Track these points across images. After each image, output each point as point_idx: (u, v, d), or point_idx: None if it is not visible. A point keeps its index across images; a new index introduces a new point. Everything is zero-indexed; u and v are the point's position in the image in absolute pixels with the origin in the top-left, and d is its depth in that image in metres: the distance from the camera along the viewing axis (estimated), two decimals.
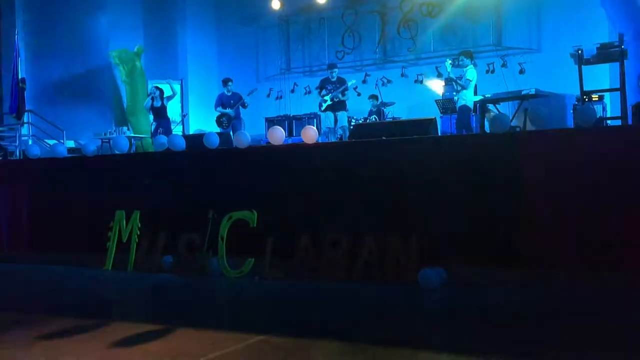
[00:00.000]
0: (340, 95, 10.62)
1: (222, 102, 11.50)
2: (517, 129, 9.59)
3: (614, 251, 4.69)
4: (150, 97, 11.36)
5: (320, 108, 10.92)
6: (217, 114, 11.52)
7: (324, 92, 10.78)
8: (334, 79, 10.77)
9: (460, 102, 9.63)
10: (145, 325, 4.03)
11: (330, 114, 10.76)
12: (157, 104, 11.26)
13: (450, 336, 3.65)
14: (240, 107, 11.45)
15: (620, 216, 4.71)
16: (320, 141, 7.14)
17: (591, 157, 4.83)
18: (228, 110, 11.38)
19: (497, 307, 4.33)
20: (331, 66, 11.03)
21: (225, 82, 11.66)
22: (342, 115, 10.74)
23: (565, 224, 4.85)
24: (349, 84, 10.87)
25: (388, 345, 3.48)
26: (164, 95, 11.37)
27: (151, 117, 11.72)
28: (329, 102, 10.64)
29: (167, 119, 11.48)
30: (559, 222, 4.87)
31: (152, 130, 11.57)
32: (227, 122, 11.39)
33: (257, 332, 3.75)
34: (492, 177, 5.13)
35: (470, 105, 9.68)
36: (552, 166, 4.93)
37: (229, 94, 11.56)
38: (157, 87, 11.50)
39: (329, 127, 10.79)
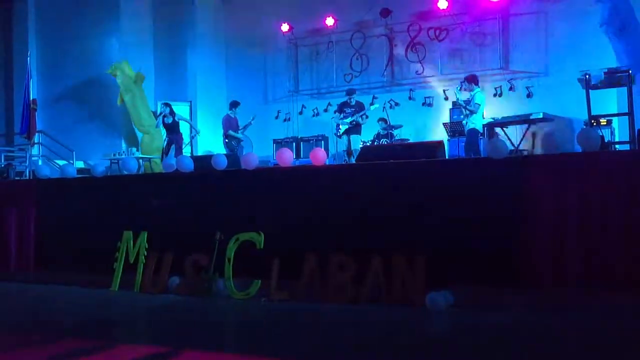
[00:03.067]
0: (360, 119, 10.75)
1: (230, 125, 11.62)
2: (525, 152, 9.61)
3: (619, 272, 4.67)
4: (161, 115, 11.47)
5: (337, 132, 11.01)
6: (224, 135, 11.68)
7: (342, 115, 10.88)
8: (353, 103, 10.89)
9: (470, 126, 9.67)
10: (152, 347, 4.02)
11: (345, 137, 10.89)
12: (169, 120, 11.38)
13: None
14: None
15: (625, 238, 4.69)
16: (328, 163, 7.16)
17: (596, 180, 4.83)
18: (238, 135, 11.53)
19: (503, 329, 4.29)
20: (350, 92, 11.19)
21: (234, 105, 11.83)
22: (356, 139, 10.82)
23: (571, 246, 4.84)
24: (372, 108, 11.03)
25: None
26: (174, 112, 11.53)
27: (164, 133, 11.81)
28: (347, 126, 10.72)
29: (180, 134, 11.58)
30: (565, 244, 4.86)
31: (164, 146, 11.61)
32: (237, 144, 11.53)
33: (263, 355, 3.73)
34: (499, 200, 5.13)
35: (479, 128, 9.72)
36: (558, 189, 4.93)
37: (234, 117, 11.71)
38: (166, 104, 11.60)
39: (344, 150, 10.89)
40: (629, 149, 7.73)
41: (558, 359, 3.57)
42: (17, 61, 13.98)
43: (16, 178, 11.07)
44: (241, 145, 11.70)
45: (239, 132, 11.66)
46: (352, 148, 10.68)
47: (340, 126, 10.90)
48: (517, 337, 4.12)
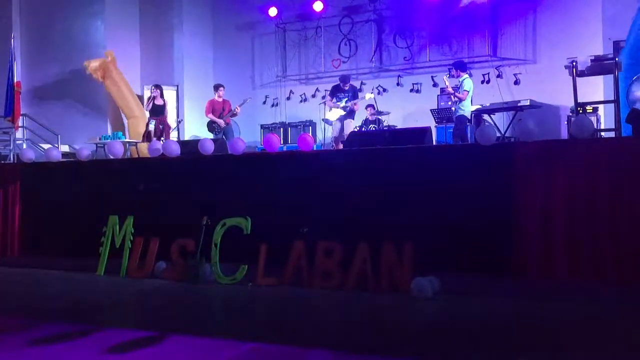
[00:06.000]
0: (354, 107, 10.62)
1: (213, 108, 11.45)
2: (512, 140, 9.65)
3: (605, 262, 4.72)
4: (151, 97, 11.29)
5: (331, 116, 10.82)
6: (209, 119, 11.52)
7: (335, 100, 10.70)
8: (347, 89, 10.72)
9: (459, 112, 9.68)
10: (138, 332, 4.01)
11: (337, 123, 10.72)
12: (159, 102, 11.23)
13: (441, 346, 3.65)
14: (231, 116, 11.45)
15: (612, 228, 4.73)
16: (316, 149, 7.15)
17: (584, 168, 4.86)
18: (218, 120, 11.33)
19: (488, 316, 4.33)
20: (344, 79, 10.88)
21: (216, 87, 11.62)
22: (349, 124, 10.70)
23: (557, 234, 4.88)
24: (367, 97, 10.97)
25: (381, 354, 3.47)
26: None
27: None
28: (342, 113, 10.60)
29: (165, 116, 11.40)
30: (552, 232, 4.89)
31: (153, 128, 11.34)
32: (219, 128, 11.37)
33: (250, 340, 3.74)
34: (487, 187, 5.16)
35: (468, 115, 9.74)
36: (545, 176, 4.96)
37: (220, 100, 11.52)
38: (157, 87, 11.40)
39: (334, 136, 10.75)
40: (614, 136, 7.80)
41: (543, 347, 3.60)
42: (1, 44, 13.76)
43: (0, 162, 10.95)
44: (226, 129, 11.43)
45: (219, 115, 11.39)
46: (346, 133, 10.48)
47: (334, 110, 10.76)
48: (503, 325, 4.15)
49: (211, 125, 11.48)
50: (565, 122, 10.16)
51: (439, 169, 5.40)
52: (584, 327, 3.97)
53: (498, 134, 8.93)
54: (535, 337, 3.76)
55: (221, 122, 11.30)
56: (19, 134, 12.38)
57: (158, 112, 11.23)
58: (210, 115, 11.40)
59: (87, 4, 13.86)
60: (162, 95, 11.29)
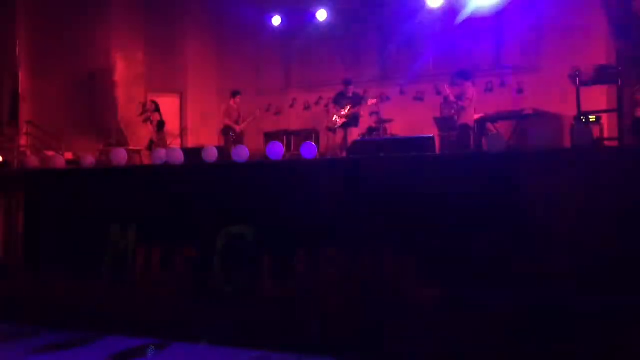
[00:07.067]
0: (357, 113, 10.64)
1: (229, 114, 11.54)
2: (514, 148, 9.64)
3: (611, 270, 4.70)
4: (145, 112, 11.35)
5: (334, 124, 10.87)
6: (221, 124, 11.64)
7: (338, 107, 10.72)
8: (350, 95, 10.74)
9: (462, 121, 9.69)
10: (141, 340, 4.01)
11: (341, 130, 10.74)
12: (155, 118, 11.28)
13: (442, 352, 3.64)
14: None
15: (617, 237, 4.72)
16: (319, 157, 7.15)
17: (587, 177, 4.85)
18: (234, 125, 11.44)
19: (490, 323, 4.31)
20: (347, 82, 10.94)
21: (234, 94, 11.71)
22: (353, 132, 10.71)
23: (559, 242, 4.87)
24: (369, 102, 11.03)
25: None
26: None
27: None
28: (345, 120, 10.62)
29: (163, 132, 11.47)
30: (553, 239, 4.88)
31: (149, 143, 11.44)
32: (234, 135, 11.46)
33: (255, 348, 3.74)
34: (491, 195, 5.14)
35: (471, 123, 9.75)
36: (551, 184, 4.95)
37: (235, 106, 11.62)
38: (152, 101, 11.49)
39: (339, 144, 10.78)
40: (617, 144, 7.79)
41: (545, 355, 3.60)
42: (5, 51, 13.84)
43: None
44: (239, 136, 11.54)
45: (236, 122, 11.50)
46: (349, 140, 10.51)
47: (337, 118, 10.80)
48: (504, 330, 4.14)
49: (226, 131, 11.57)
50: (570, 131, 10.16)
51: (442, 177, 5.38)
52: (585, 332, 3.96)
53: None
54: (537, 342, 3.75)
55: (237, 126, 11.43)
56: (22, 140, 12.41)
57: (155, 126, 11.32)
58: (227, 120, 11.53)
59: (92, 11, 13.92)
60: (157, 110, 11.32)
